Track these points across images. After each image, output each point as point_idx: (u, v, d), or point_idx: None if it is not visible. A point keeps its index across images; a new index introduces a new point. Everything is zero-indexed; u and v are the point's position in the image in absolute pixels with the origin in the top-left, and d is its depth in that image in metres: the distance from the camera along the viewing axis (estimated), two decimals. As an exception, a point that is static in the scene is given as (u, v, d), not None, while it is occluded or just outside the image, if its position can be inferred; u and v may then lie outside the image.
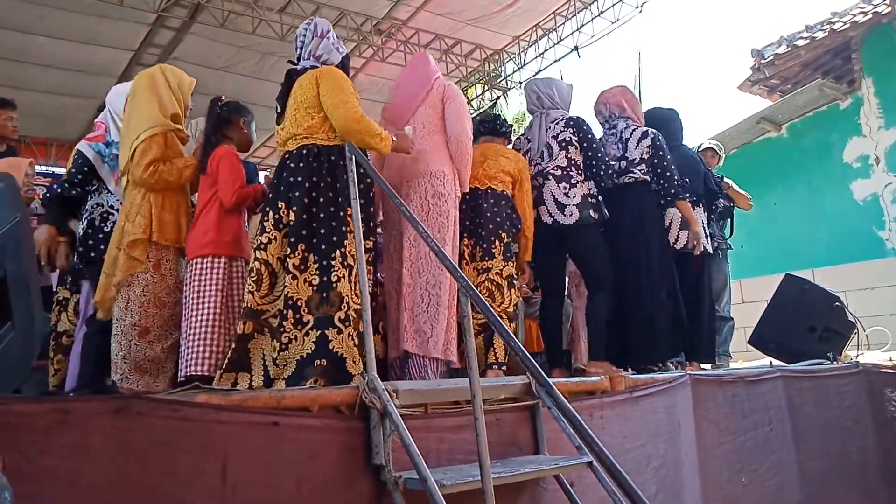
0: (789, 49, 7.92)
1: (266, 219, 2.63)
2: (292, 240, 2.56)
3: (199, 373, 2.59)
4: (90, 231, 2.96)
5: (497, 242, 3.25)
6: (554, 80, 3.87)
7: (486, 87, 9.75)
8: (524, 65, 9.10)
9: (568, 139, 3.57)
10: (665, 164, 3.73)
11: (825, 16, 8.05)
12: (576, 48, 8.50)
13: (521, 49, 8.94)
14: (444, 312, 2.89)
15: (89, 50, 7.13)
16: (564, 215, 3.48)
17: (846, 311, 4.50)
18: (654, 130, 3.83)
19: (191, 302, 2.71)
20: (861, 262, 7.14)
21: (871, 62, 7.59)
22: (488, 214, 3.29)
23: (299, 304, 2.51)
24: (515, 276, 3.30)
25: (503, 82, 9.50)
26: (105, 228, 2.94)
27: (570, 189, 3.51)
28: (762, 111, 8.25)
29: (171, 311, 2.79)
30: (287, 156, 2.73)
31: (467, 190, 3.23)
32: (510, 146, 3.71)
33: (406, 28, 8.03)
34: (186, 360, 2.63)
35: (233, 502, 1.82)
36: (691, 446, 3.11)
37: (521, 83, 9.28)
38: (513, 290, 3.25)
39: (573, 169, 3.55)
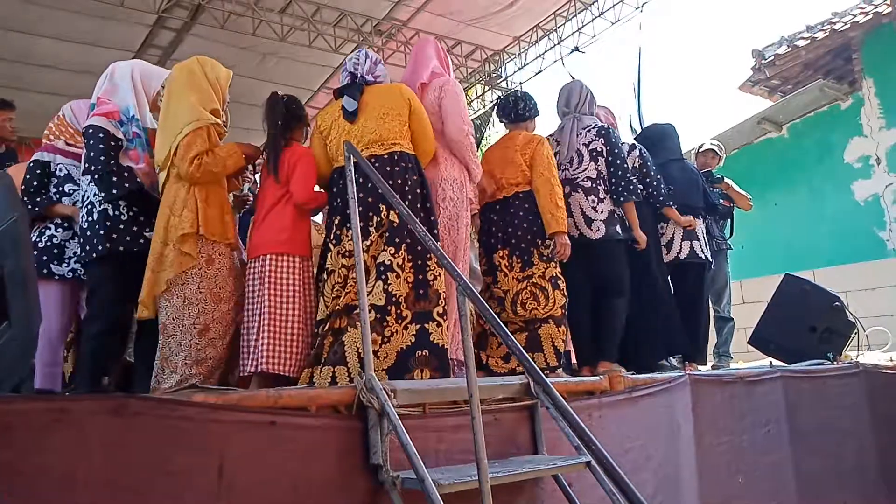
0: (790, 49, 7.92)
1: (370, 223, 2.74)
2: (395, 240, 2.72)
3: (286, 373, 2.66)
4: (96, 227, 2.70)
5: (535, 251, 3.29)
6: (584, 84, 3.82)
7: (487, 88, 9.76)
8: (525, 65, 9.11)
9: (599, 150, 3.57)
10: (652, 174, 3.87)
11: (826, 16, 8.05)
12: (576, 48, 8.50)
13: (522, 50, 8.94)
14: (452, 314, 2.92)
15: (91, 51, 7.14)
16: (591, 230, 3.48)
17: (846, 312, 4.49)
18: (640, 144, 3.98)
19: (268, 299, 2.73)
20: (862, 262, 7.13)
21: (872, 62, 7.59)
22: (525, 225, 3.32)
23: (399, 300, 2.66)
24: (559, 277, 3.30)
25: (504, 83, 9.50)
26: (123, 217, 2.73)
27: (598, 203, 3.51)
28: (763, 111, 8.25)
29: (228, 306, 2.76)
30: (374, 159, 2.79)
31: (479, 180, 3.22)
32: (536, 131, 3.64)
33: (406, 29, 8.03)
34: (269, 358, 2.66)
35: (229, 501, 1.81)
36: (690, 446, 3.10)
37: (521, 84, 9.29)
38: (557, 291, 3.27)
39: (601, 182, 3.55)
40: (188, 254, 2.64)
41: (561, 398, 1.78)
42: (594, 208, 3.50)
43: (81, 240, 2.75)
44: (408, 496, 1.95)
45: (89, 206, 2.74)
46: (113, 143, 2.72)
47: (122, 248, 2.69)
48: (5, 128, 3.83)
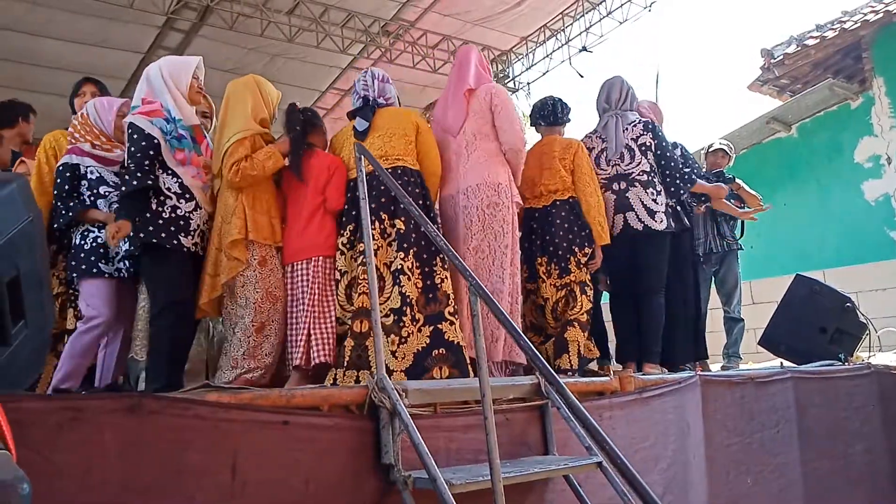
0: (799, 49, 7.86)
1: (373, 228, 2.82)
2: (404, 246, 2.88)
3: (328, 361, 2.84)
4: (148, 216, 2.73)
5: (572, 258, 3.35)
6: (624, 80, 3.87)
7: (494, 88, 9.76)
8: (532, 65, 9.10)
9: (648, 144, 3.64)
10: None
11: (836, 15, 7.99)
12: (584, 48, 8.48)
13: (529, 50, 8.93)
14: (504, 319, 2.99)
15: (99, 52, 7.18)
16: (655, 221, 3.54)
17: (857, 312, 4.46)
18: (682, 144, 4.04)
19: (315, 296, 2.92)
20: (872, 262, 7.07)
21: (883, 61, 7.53)
22: (561, 232, 3.38)
23: (412, 302, 2.79)
24: (587, 283, 3.38)
25: (511, 83, 9.49)
26: (164, 214, 2.76)
27: (657, 196, 3.59)
28: (772, 111, 8.19)
29: (282, 305, 2.94)
30: (378, 173, 2.88)
31: (518, 185, 3.33)
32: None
33: (414, 29, 8.04)
34: (316, 350, 2.86)
35: (241, 500, 1.82)
36: (699, 447, 3.09)
37: (528, 84, 9.28)
38: (584, 296, 3.34)
39: (655, 175, 3.64)
40: (237, 258, 2.82)
41: (574, 398, 1.78)
42: (654, 200, 3.57)
43: (131, 233, 2.73)
44: (419, 496, 1.95)
45: None
46: (145, 144, 2.74)
47: (154, 241, 2.70)
48: (31, 130, 3.81)
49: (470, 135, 3.22)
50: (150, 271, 2.78)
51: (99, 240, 2.92)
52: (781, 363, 4.35)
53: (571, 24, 8.42)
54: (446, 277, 2.89)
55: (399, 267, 2.82)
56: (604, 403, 2.73)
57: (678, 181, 3.65)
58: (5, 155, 3.41)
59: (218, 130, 3.04)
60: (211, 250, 2.87)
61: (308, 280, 2.94)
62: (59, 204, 2.93)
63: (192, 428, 1.79)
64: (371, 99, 3.18)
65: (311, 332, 2.88)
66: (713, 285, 4.94)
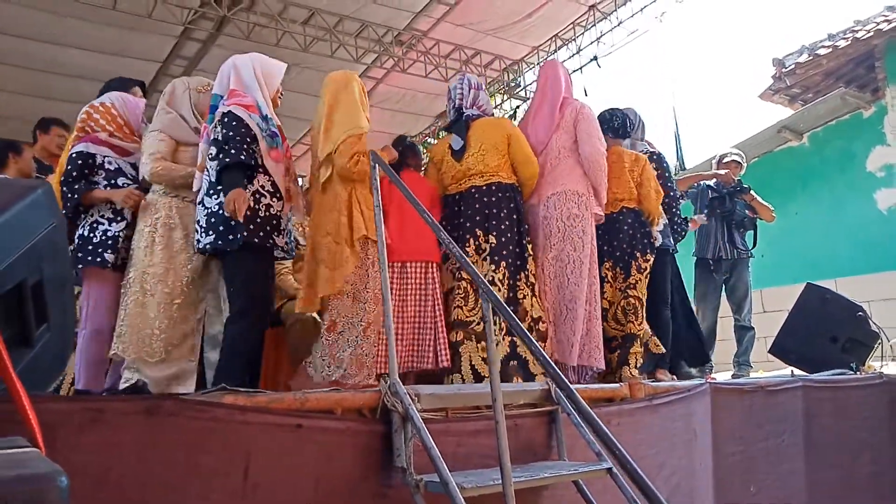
0: (811, 58, 7.84)
1: (467, 245, 3.12)
2: (496, 258, 3.09)
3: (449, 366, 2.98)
4: (247, 214, 2.59)
5: (633, 263, 3.51)
6: (634, 111, 4.07)
7: (506, 97, 9.80)
8: (543, 74, 9.12)
9: (656, 174, 3.81)
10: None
11: (848, 24, 7.96)
12: (595, 58, 8.51)
13: (541, 59, 8.97)
14: (580, 326, 3.20)
15: (119, 61, 7.28)
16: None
17: (870, 322, 4.44)
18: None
19: (438, 300, 3.06)
20: (885, 272, 7.02)
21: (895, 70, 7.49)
22: (627, 238, 3.56)
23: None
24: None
25: (522, 92, 9.53)
26: (260, 212, 2.66)
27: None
28: (784, 120, 8.17)
29: (380, 307, 2.79)
30: (474, 189, 3.20)
31: (604, 204, 3.46)
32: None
33: (426, 39, 8.10)
34: (435, 355, 2.99)
35: (252, 501, 1.86)
36: (706, 455, 3.09)
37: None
38: (644, 310, 3.49)
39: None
40: (360, 254, 2.81)
41: (585, 404, 1.80)
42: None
43: (221, 227, 2.61)
44: (431, 499, 1.98)
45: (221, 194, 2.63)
46: (244, 130, 2.65)
47: (255, 241, 2.63)
48: (54, 142, 3.89)
49: (556, 149, 3.39)
50: (237, 270, 2.64)
51: (108, 233, 2.85)
52: (792, 372, 4.34)
53: (583, 33, 8.45)
54: (528, 294, 3.11)
55: (490, 279, 2.99)
56: (613, 410, 2.75)
57: (674, 208, 3.94)
58: (28, 166, 3.51)
59: (325, 122, 2.94)
60: (327, 241, 2.80)
61: (428, 282, 3.06)
62: (64, 189, 2.84)
63: (207, 430, 1.83)
64: (464, 109, 3.34)
65: (438, 335, 3.02)
66: (724, 293, 4.94)
